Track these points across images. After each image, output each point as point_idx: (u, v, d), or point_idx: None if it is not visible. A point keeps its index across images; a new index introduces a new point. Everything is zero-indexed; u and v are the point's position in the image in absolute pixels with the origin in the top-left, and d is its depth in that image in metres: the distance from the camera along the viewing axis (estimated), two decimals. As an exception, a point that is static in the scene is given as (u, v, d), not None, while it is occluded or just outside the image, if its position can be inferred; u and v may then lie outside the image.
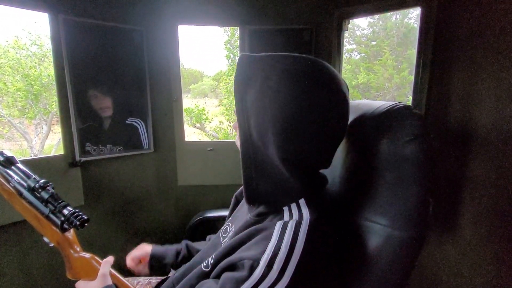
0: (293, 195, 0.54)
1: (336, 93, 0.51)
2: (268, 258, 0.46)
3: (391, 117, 0.57)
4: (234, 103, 0.59)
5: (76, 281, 0.67)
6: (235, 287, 0.47)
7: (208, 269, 0.60)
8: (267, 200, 0.56)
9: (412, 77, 1.31)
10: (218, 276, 0.54)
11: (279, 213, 0.55)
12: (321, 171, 0.60)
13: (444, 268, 1.24)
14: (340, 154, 0.66)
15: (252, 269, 0.46)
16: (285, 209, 0.54)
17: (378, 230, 0.56)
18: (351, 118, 0.67)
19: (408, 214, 0.54)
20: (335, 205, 0.67)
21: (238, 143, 0.60)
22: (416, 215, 0.54)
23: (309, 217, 0.51)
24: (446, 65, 1.20)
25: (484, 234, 1.09)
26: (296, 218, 0.51)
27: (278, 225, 0.50)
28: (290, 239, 0.47)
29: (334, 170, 0.67)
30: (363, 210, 0.59)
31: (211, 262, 0.60)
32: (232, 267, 0.51)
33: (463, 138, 1.13)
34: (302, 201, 0.54)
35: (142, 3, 1.49)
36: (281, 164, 0.51)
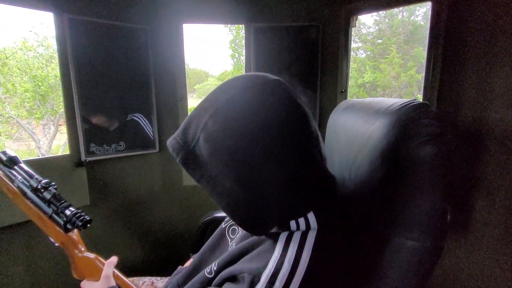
0: (299, 212, 0.49)
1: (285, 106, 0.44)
2: (270, 274, 0.43)
3: (405, 115, 0.53)
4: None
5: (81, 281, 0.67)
6: None
7: (211, 276, 0.58)
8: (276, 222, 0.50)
9: (419, 76, 1.28)
10: (219, 285, 0.51)
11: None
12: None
13: (456, 272, 1.21)
14: (350, 157, 0.63)
15: (252, 285, 0.44)
16: (292, 222, 0.50)
17: (390, 239, 0.52)
18: (362, 117, 0.64)
19: (424, 223, 0.49)
20: (344, 212, 0.64)
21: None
22: (432, 224, 0.49)
23: (316, 227, 0.47)
24: (458, 62, 1.17)
25: (498, 236, 1.05)
26: (302, 228, 0.48)
27: (283, 236, 0.47)
28: (295, 252, 0.44)
29: (344, 173, 0.65)
30: (374, 217, 0.55)
31: (215, 269, 0.58)
32: (233, 278, 0.49)
33: (476, 138, 1.10)
34: (310, 213, 0.50)
35: (147, 1, 1.48)
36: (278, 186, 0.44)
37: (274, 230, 0.50)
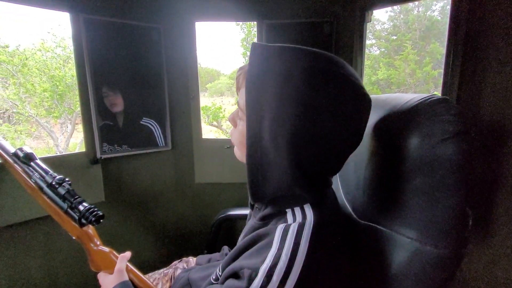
0: (298, 200, 0.50)
1: (360, 96, 0.47)
2: (267, 268, 0.42)
3: (423, 111, 0.50)
4: (239, 97, 0.54)
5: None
6: None
7: (217, 282, 0.59)
8: (272, 201, 0.53)
9: (436, 72, 1.23)
10: (222, 283, 0.51)
11: (283, 216, 0.51)
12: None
13: (474, 279, 1.16)
14: (364, 155, 0.61)
15: (250, 279, 0.43)
16: (288, 211, 0.50)
17: (405, 243, 0.49)
18: (378, 114, 0.62)
19: (442, 227, 0.46)
20: (358, 211, 0.62)
21: (236, 140, 0.57)
22: (451, 228, 0.46)
23: (313, 218, 0.47)
24: (479, 58, 1.12)
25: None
26: (299, 220, 0.47)
27: (279, 229, 0.46)
28: (292, 245, 0.43)
29: (358, 172, 0.62)
30: (388, 219, 0.52)
31: (219, 273, 0.59)
32: (234, 275, 0.49)
33: (500, 137, 1.05)
34: (307, 205, 0.50)
35: (160, 0, 1.50)
36: (289, 171, 0.47)
37: (271, 210, 0.53)
